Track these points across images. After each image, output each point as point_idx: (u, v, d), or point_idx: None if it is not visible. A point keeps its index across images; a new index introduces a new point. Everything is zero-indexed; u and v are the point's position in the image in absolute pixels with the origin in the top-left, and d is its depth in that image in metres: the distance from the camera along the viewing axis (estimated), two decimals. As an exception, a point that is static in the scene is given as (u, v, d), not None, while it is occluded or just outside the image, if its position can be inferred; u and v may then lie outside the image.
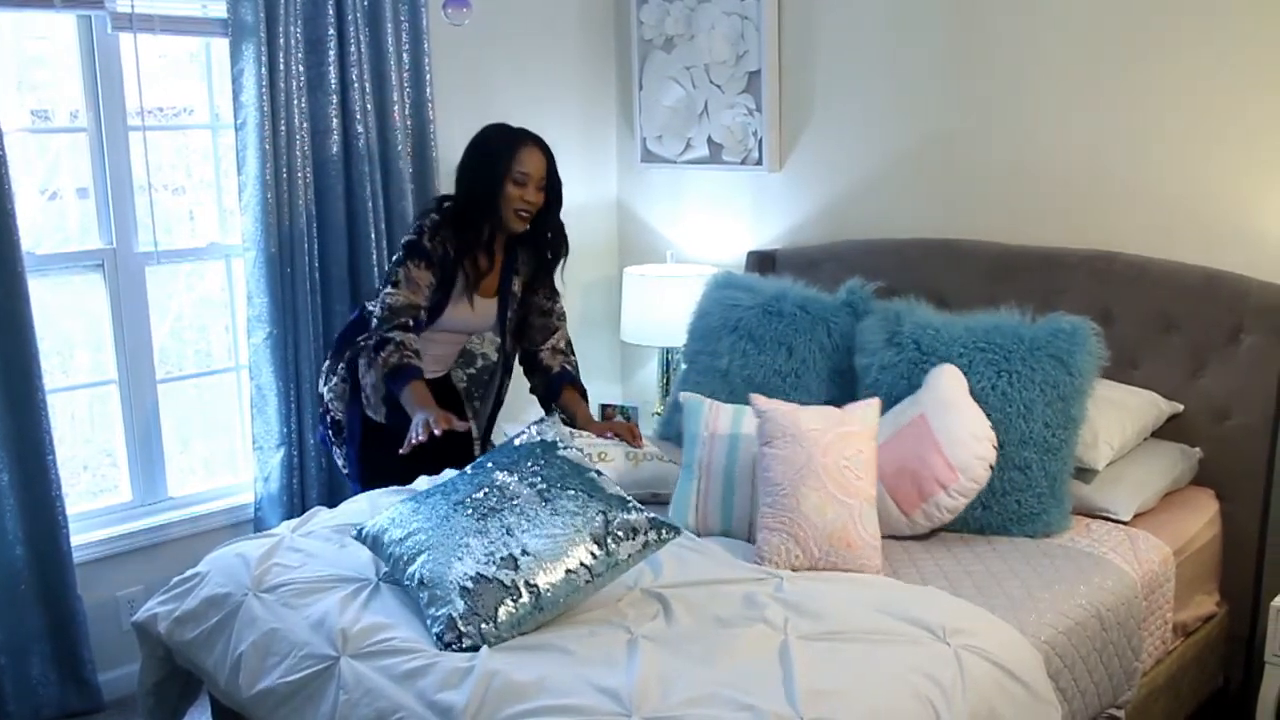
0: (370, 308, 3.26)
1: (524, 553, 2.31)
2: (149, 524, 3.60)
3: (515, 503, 2.44)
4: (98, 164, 3.43)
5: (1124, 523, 2.93)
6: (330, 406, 3.36)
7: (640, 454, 3.19)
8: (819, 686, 2.05)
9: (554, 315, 3.44)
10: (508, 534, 2.36)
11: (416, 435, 2.87)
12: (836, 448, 2.66)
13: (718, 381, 3.51)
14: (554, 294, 3.45)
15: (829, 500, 2.61)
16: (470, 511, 2.45)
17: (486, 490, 2.50)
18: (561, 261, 3.41)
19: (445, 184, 3.96)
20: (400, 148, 3.79)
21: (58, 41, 3.38)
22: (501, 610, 2.24)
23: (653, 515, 2.42)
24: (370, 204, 3.73)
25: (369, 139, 3.71)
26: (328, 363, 3.41)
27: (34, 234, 3.40)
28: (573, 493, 2.44)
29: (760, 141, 4.11)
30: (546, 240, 3.34)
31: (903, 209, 3.80)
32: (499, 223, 3.23)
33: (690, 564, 2.60)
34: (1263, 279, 3.06)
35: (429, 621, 2.29)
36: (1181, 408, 3.19)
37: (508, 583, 2.26)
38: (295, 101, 3.54)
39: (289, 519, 3.07)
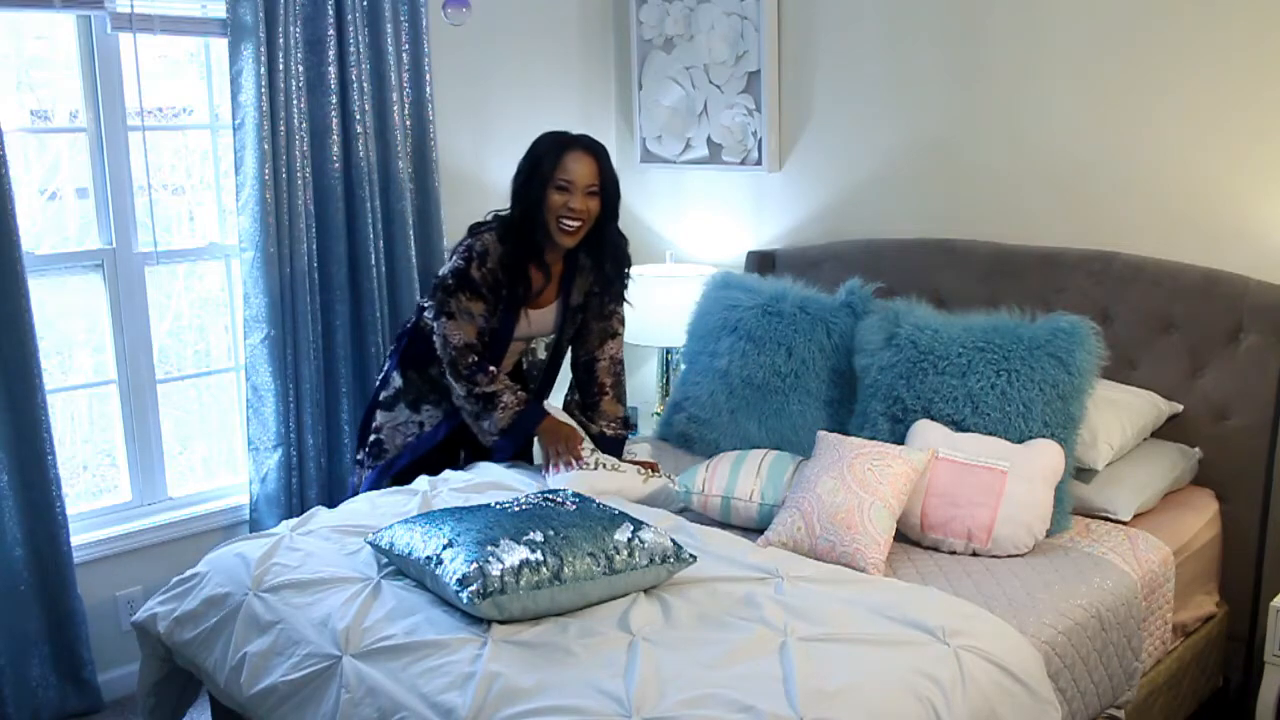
0: (425, 309, 3.23)
1: (555, 533, 2.38)
2: (148, 524, 3.60)
3: (551, 507, 2.54)
4: (97, 164, 3.43)
5: (1124, 523, 2.93)
6: (384, 437, 3.31)
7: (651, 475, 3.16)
8: (819, 687, 2.05)
9: (613, 319, 3.37)
10: (540, 520, 2.44)
11: (558, 467, 3.06)
12: (870, 457, 2.77)
13: (717, 381, 3.51)
14: (618, 301, 3.36)
15: (843, 487, 2.72)
16: (506, 512, 2.53)
17: (522, 505, 2.57)
18: (625, 274, 3.31)
19: (445, 184, 3.98)
20: (399, 148, 3.79)
21: (57, 41, 3.38)
22: (524, 571, 2.28)
23: (676, 540, 2.52)
24: (369, 204, 3.72)
25: (368, 139, 3.71)
26: (389, 394, 3.33)
27: (34, 234, 3.40)
28: (606, 509, 2.56)
29: (760, 142, 4.11)
30: (601, 250, 3.23)
31: (902, 209, 3.80)
32: (545, 233, 3.12)
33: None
34: (1262, 279, 3.06)
35: (450, 570, 2.31)
36: (1181, 408, 3.19)
37: (533, 550, 2.32)
38: (294, 102, 3.54)
39: (287, 520, 3.07)
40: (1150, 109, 3.25)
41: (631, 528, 2.46)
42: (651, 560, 2.42)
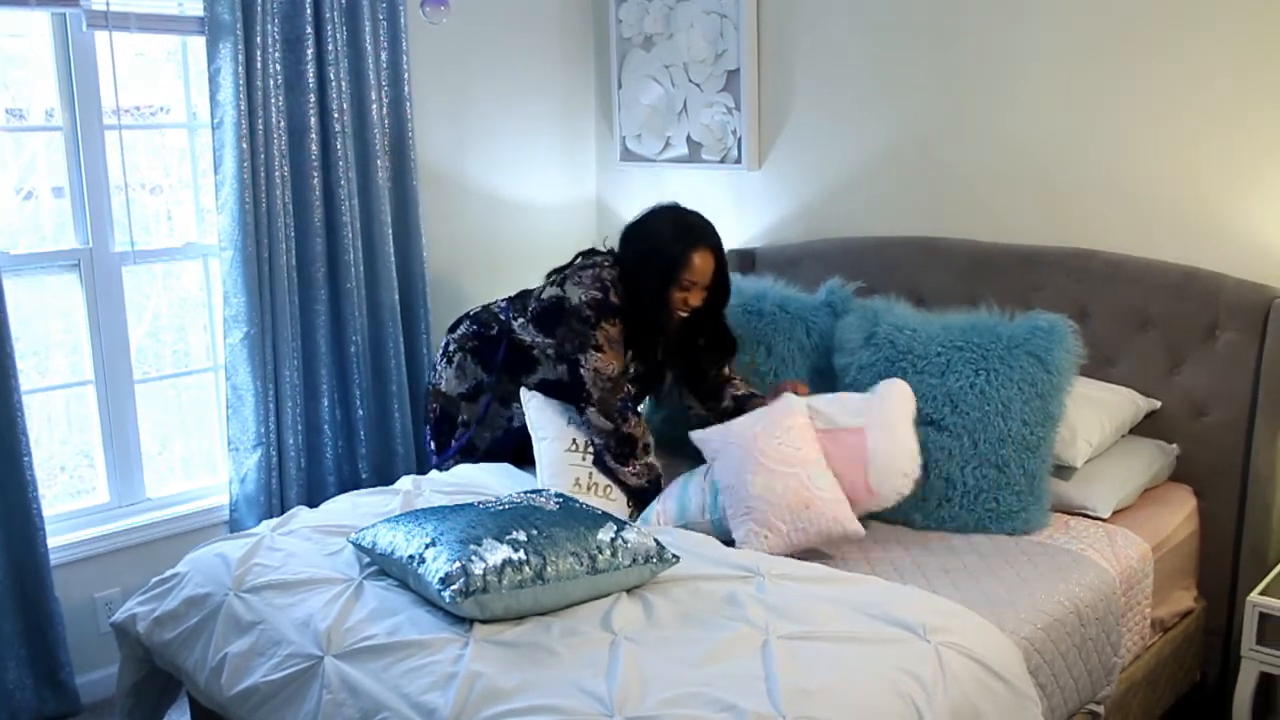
0: (516, 326, 3.25)
1: (538, 532, 2.37)
2: (127, 525, 3.58)
3: (534, 506, 2.53)
4: (73, 163, 3.41)
5: (1102, 519, 2.95)
6: (473, 434, 3.34)
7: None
8: (801, 685, 2.05)
9: (721, 383, 3.31)
10: (523, 520, 2.43)
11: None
12: (767, 431, 2.80)
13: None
14: (728, 376, 3.31)
15: (773, 476, 2.73)
16: (488, 511, 2.52)
17: (505, 505, 2.57)
18: (729, 359, 3.30)
19: (424, 183, 3.96)
20: (378, 146, 3.78)
21: (32, 39, 3.36)
22: (507, 570, 2.27)
23: (659, 540, 2.52)
24: (348, 203, 3.71)
25: (347, 138, 3.70)
26: (453, 374, 3.35)
27: (9, 233, 3.37)
28: (588, 509, 2.56)
29: (739, 140, 4.12)
30: (700, 336, 3.24)
31: (881, 208, 3.81)
32: (661, 326, 3.15)
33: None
34: (1238, 276, 3.08)
35: (433, 569, 2.31)
36: (1159, 404, 3.21)
37: (515, 550, 2.31)
38: (273, 100, 3.52)
39: (268, 520, 3.06)
40: (1128, 108, 3.26)
41: (615, 527, 2.46)
42: (634, 560, 2.42)
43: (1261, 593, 2.84)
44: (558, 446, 3.09)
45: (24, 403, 3.19)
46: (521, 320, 3.29)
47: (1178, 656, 3.06)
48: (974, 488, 2.89)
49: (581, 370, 3.07)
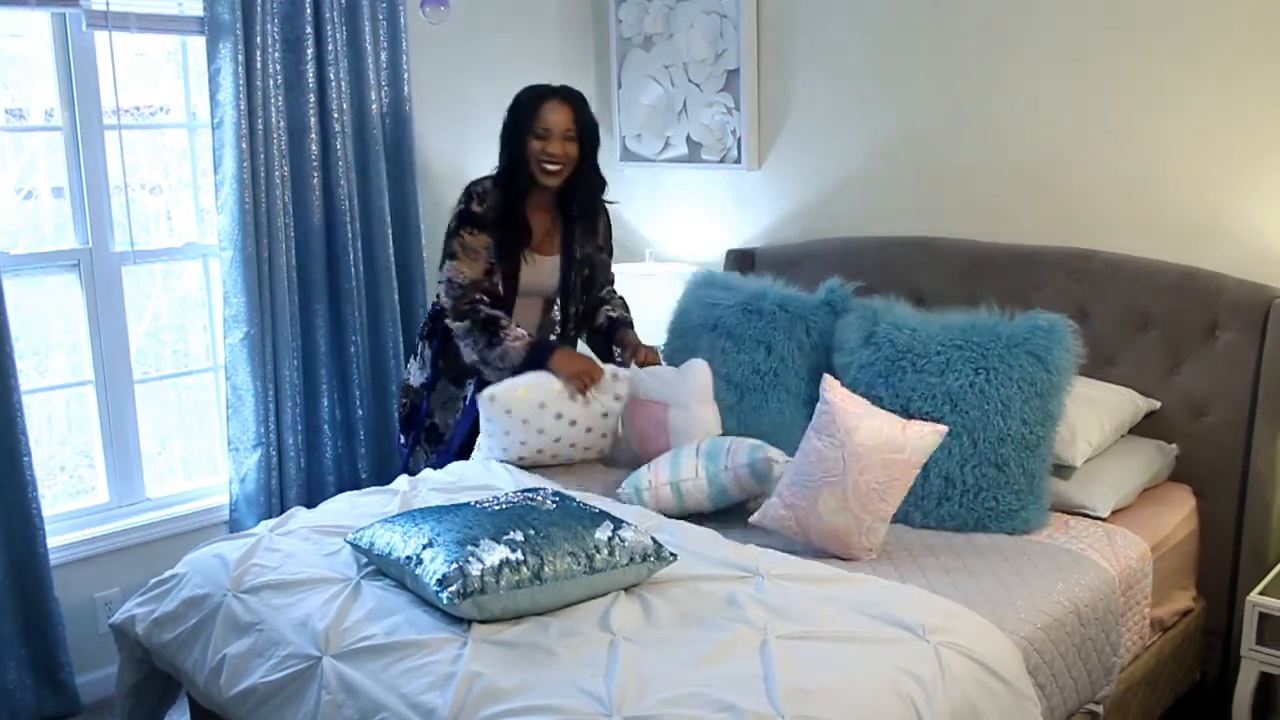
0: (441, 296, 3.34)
1: (535, 532, 2.37)
2: (126, 525, 3.58)
3: (531, 506, 2.54)
4: (73, 163, 3.41)
5: (1102, 519, 2.95)
6: (437, 420, 3.47)
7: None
8: (800, 685, 2.05)
9: (606, 283, 3.61)
10: (520, 519, 2.43)
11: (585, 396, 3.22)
12: (874, 471, 2.66)
13: (698, 379, 3.51)
14: (605, 249, 3.58)
15: (843, 510, 2.66)
16: (485, 511, 2.52)
17: (502, 505, 2.57)
18: (603, 216, 3.53)
19: (423, 183, 3.97)
20: (378, 147, 3.78)
21: (32, 39, 3.36)
22: (504, 570, 2.27)
23: (657, 538, 2.53)
24: (348, 203, 3.71)
25: (346, 138, 3.70)
26: (417, 366, 3.50)
27: (9, 233, 3.38)
28: (586, 508, 2.57)
29: (739, 140, 4.12)
30: (578, 194, 3.40)
31: (881, 208, 3.81)
32: (531, 179, 3.30)
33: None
34: (1238, 276, 3.08)
35: (431, 570, 2.30)
36: (1159, 404, 3.21)
37: (513, 550, 2.31)
38: (272, 100, 3.52)
39: (266, 520, 3.06)
40: (1128, 108, 3.26)
41: (612, 526, 2.45)
42: (632, 559, 2.42)
43: (1261, 593, 2.83)
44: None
45: (24, 403, 3.19)
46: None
47: (1177, 656, 3.06)
48: (973, 487, 2.89)
49: (440, 281, 3.32)
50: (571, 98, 3.34)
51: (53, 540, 3.35)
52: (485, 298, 3.27)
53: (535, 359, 3.22)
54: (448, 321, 3.28)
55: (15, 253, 3.34)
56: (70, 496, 3.62)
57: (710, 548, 2.69)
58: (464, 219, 3.29)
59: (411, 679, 2.14)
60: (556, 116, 3.29)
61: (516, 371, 3.22)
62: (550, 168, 3.29)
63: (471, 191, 3.32)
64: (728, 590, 2.45)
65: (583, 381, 3.21)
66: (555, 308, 3.49)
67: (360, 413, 3.84)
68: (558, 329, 3.51)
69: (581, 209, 3.44)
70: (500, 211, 3.30)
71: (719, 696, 2.01)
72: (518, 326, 3.28)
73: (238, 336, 3.58)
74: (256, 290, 3.56)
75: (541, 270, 3.40)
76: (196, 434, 3.88)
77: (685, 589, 2.46)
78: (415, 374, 3.51)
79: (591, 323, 3.57)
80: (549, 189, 3.35)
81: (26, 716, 3.31)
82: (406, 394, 3.53)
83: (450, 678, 2.10)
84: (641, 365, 3.37)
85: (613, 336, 3.52)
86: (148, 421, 3.69)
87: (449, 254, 3.29)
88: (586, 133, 3.35)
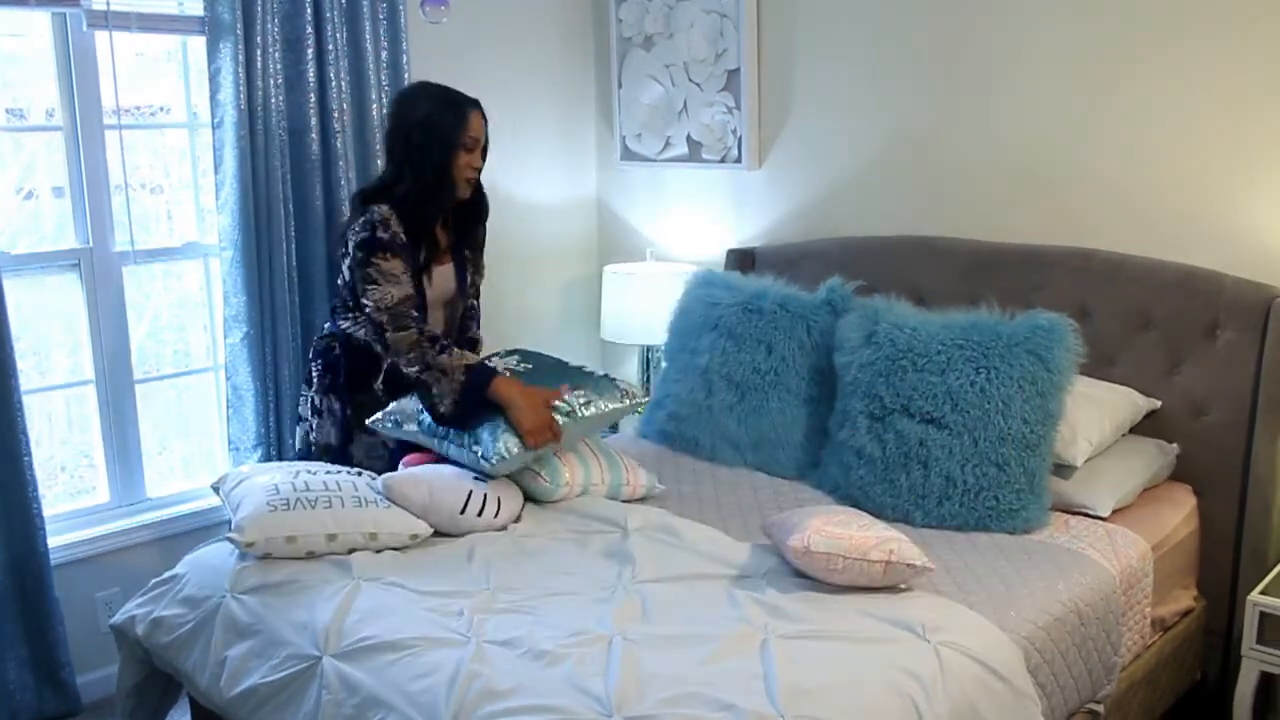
0: (345, 325, 3.14)
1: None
2: (127, 525, 3.58)
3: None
4: (74, 163, 3.41)
5: (1102, 519, 2.95)
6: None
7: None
8: (800, 685, 2.05)
9: (480, 270, 3.40)
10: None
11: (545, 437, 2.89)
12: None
13: (697, 379, 3.52)
14: (481, 250, 3.39)
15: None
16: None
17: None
18: (483, 222, 3.35)
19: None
20: (378, 147, 3.78)
21: (33, 39, 3.36)
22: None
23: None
24: (348, 203, 3.70)
25: (347, 138, 3.70)
26: (329, 424, 3.21)
27: (9, 233, 3.38)
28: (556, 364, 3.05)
29: (739, 139, 4.12)
30: (475, 200, 3.27)
31: (882, 207, 3.81)
32: (453, 193, 3.15)
33: (670, 558, 2.61)
34: (1239, 275, 3.08)
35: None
36: (1159, 404, 3.21)
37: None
38: (273, 100, 3.52)
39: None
40: (1128, 108, 3.26)
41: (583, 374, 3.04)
42: (607, 410, 3.00)
43: (1262, 592, 2.83)
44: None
45: (24, 403, 3.19)
46: (349, 318, 3.16)
47: (1178, 656, 3.06)
48: (974, 486, 2.89)
49: (368, 312, 3.00)
50: (479, 105, 3.18)
51: (53, 540, 3.35)
52: (418, 314, 3.04)
53: (476, 381, 2.90)
54: (388, 338, 2.97)
55: (15, 252, 3.34)
56: (70, 496, 3.62)
57: (710, 546, 2.69)
58: (371, 246, 3.00)
59: (411, 678, 2.14)
60: (479, 125, 3.15)
61: (458, 398, 2.91)
62: (473, 179, 3.19)
63: (370, 220, 3.03)
64: (727, 589, 2.45)
65: (542, 439, 2.88)
66: (453, 311, 3.33)
67: (361, 412, 3.83)
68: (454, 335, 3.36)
69: (480, 215, 3.31)
70: (410, 233, 3.08)
71: (719, 696, 2.01)
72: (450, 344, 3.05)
73: (238, 336, 3.58)
74: (256, 290, 3.56)
75: (443, 278, 3.23)
76: (196, 434, 3.88)
77: (685, 588, 2.47)
78: (329, 433, 3.21)
79: (459, 335, 3.36)
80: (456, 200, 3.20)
81: (27, 716, 3.31)
82: (327, 454, 3.21)
83: (450, 676, 2.11)
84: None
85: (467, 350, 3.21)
86: (148, 421, 3.69)
87: (366, 282, 2.99)
88: (487, 140, 3.22)
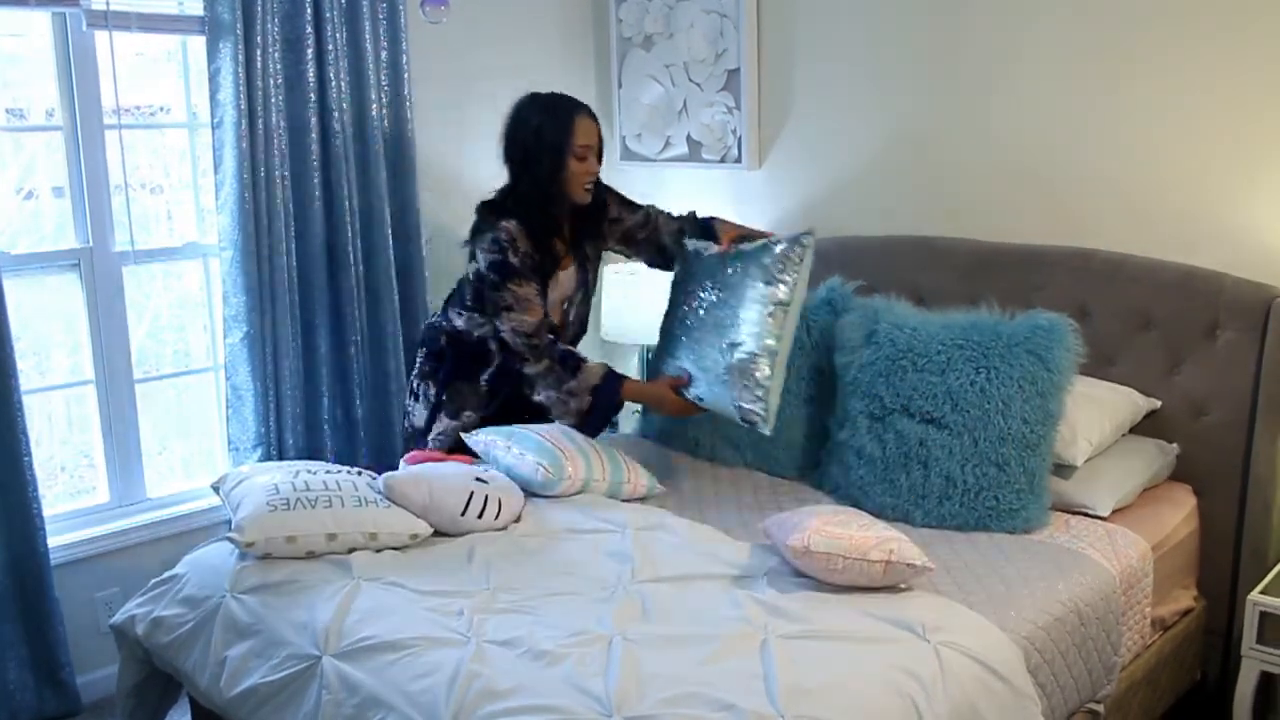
0: (458, 323, 3.26)
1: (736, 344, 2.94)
2: (127, 525, 3.58)
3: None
4: (73, 163, 3.41)
5: (1102, 518, 2.95)
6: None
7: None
8: (799, 685, 2.05)
9: (650, 214, 3.46)
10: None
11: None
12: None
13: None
14: (633, 209, 3.45)
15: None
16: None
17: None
18: (608, 201, 3.39)
19: (424, 183, 3.96)
20: (378, 146, 3.78)
21: (32, 39, 3.36)
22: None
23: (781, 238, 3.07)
24: (348, 203, 3.71)
25: (347, 138, 3.70)
26: (422, 408, 3.33)
27: (9, 233, 3.38)
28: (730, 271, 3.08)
29: (739, 139, 4.12)
30: (594, 203, 3.31)
31: (881, 207, 3.81)
32: (566, 202, 3.21)
33: (670, 558, 2.61)
34: (1239, 275, 3.08)
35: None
36: (1159, 404, 3.21)
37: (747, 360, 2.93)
38: (273, 100, 3.52)
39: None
40: (1128, 108, 3.26)
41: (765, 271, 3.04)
42: (796, 278, 3.04)
43: (1262, 592, 2.83)
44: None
45: (24, 403, 3.19)
46: (465, 315, 3.27)
47: (1178, 655, 3.06)
48: (974, 486, 2.89)
49: (503, 336, 3.14)
50: (589, 108, 3.23)
51: (53, 540, 3.35)
52: (554, 337, 3.19)
53: (603, 401, 3.14)
54: (524, 368, 3.14)
55: (15, 252, 3.34)
56: (70, 496, 3.62)
57: (710, 546, 2.69)
58: (505, 271, 3.10)
59: (411, 678, 2.14)
60: (590, 129, 3.18)
61: (584, 418, 3.15)
62: (590, 186, 3.22)
63: (500, 241, 3.10)
64: (728, 590, 2.45)
65: (686, 415, 3.20)
66: (571, 306, 3.40)
67: (360, 412, 3.84)
68: (570, 328, 3.43)
69: (599, 215, 3.36)
70: (535, 246, 3.15)
71: (719, 696, 2.01)
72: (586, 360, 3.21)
73: (238, 336, 3.58)
74: (256, 290, 3.56)
75: (566, 280, 3.31)
76: (196, 434, 3.88)
77: (685, 588, 2.46)
78: (420, 416, 3.35)
79: (665, 228, 3.45)
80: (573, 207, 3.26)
81: (27, 716, 3.31)
82: (415, 438, 3.36)
83: (450, 676, 2.10)
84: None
85: (713, 224, 3.41)
86: (148, 421, 3.69)
87: (501, 306, 3.11)
88: (602, 141, 3.26)
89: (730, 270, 3.14)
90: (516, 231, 3.12)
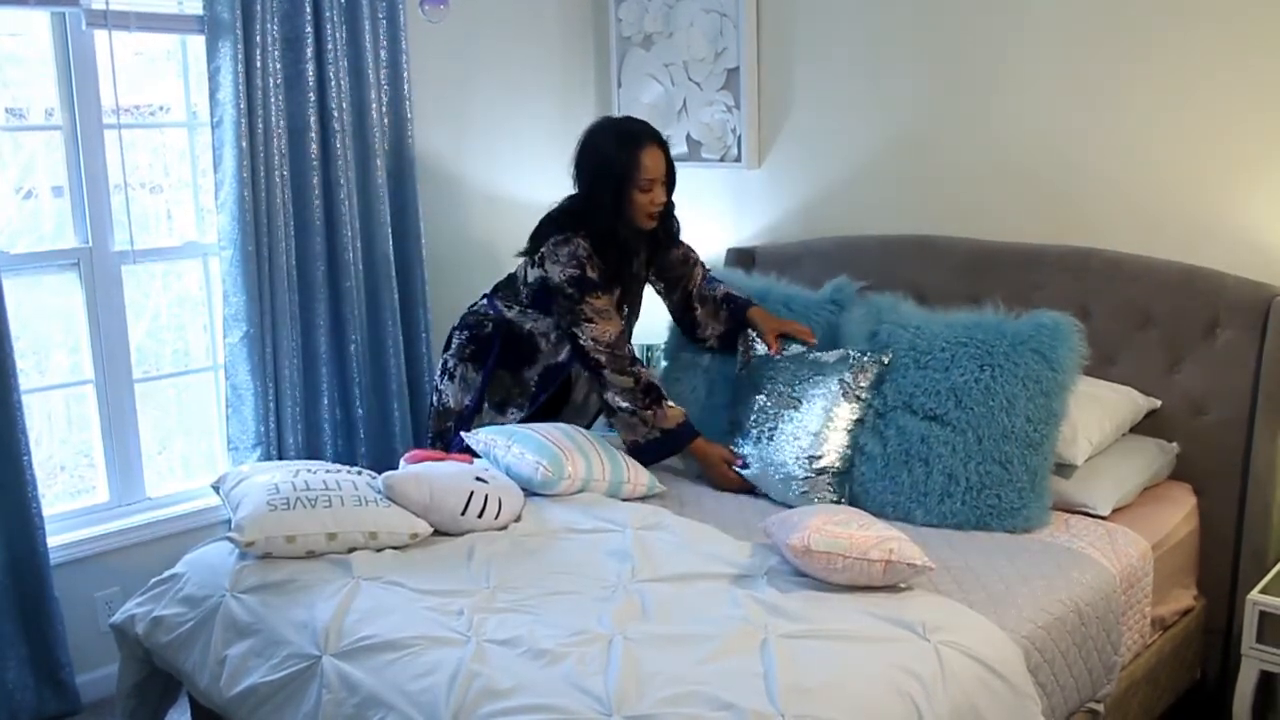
0: (509, 314, 3.33)
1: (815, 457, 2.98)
2: (127, 525, 3.58)
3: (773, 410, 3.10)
4: (73, 162, 3.41)
5: (1103, 518, 2.95)
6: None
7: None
8: (799, 684, 2.05)
9: (690, 257, 3.52)
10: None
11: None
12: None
13: (699, 377, 3.52)
14: (676, 243, 3.49)
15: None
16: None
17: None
18: (677, 232, 3.47)
19: (423, 182, 3.96)
20: (378, 146, 3.78)
21: (32, 38, 3.36)
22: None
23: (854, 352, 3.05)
24: (347, 202, 3.71)
25: (346, 137, 3.70)
26: (456, 389, 3.38)
27: (9, 233, 3.38)
28: (807, 376, 3.08)
29: (739, 138, 4.12)
30: (662, 225, 3.37)
31: (882, 206, 3.81)
32: (634, 230, 3.27)
33: (670, 557, 2.61)
34: (1239, 275, 3.08)
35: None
36: (1159, 403, 3.21)
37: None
38: (272, 99, 3.52)
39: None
40: (1128, 107, 3.26)
41: (840, 384, 3.06)
42: (868, 386, 3.05)
43: (1262, 591, 2.83)
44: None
45: (24, 402, 3.19)
46: (518, 309, 3.35)
47: (1178, 655, 3.06)
48: (976, 484, 2.89)
49: (581, 343, 3.22)
50: (662, 139, 3.26)
51: (53, 540, 3.34)
52: (642, 362, 3.28)
53: (674, 444, 3.20)
54: (603, 373, 3.21)
55: (15, 252, 3.34)
56: (70, 496, 3.61)
57: (710, 546, 2.69)
58: (584, 286, 3.19)
59: (411, 677, 2.14)
60: (657, 163, 3.21)
61: (643, 448, 3.20)
62: (656, 214, 3.27)
63: (579, 258, 3.19)
64: (728, 589, 2.45)
65: (730, 488, 3.18)
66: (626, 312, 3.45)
67: (360, 412, 3.84)
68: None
69: (668, 238, 3.44)
70: (611, 269, 3.26)
71: (719, 695, 2.01)
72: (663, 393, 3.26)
73: (237, 336, 3.58)
74: (256, 289, 3.56)
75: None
76: (196, 434, 3.88)
77: (685, 587, 2.46)
78: (453, 396, 3.39)
79: (702, 304, 3.51)
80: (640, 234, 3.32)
81: (27, 716, 3.31)
82: (445, 417, 3.40)
83: (450, 676, 2.10)
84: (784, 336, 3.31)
85: (736, 307, 3.44)
86: (148, 421, 3.69)
87: (580, 318, 3.20)
88: (673, 169, 3.30)
89: (809, 376, 3.12)
90: (589, 249, 3.21)
